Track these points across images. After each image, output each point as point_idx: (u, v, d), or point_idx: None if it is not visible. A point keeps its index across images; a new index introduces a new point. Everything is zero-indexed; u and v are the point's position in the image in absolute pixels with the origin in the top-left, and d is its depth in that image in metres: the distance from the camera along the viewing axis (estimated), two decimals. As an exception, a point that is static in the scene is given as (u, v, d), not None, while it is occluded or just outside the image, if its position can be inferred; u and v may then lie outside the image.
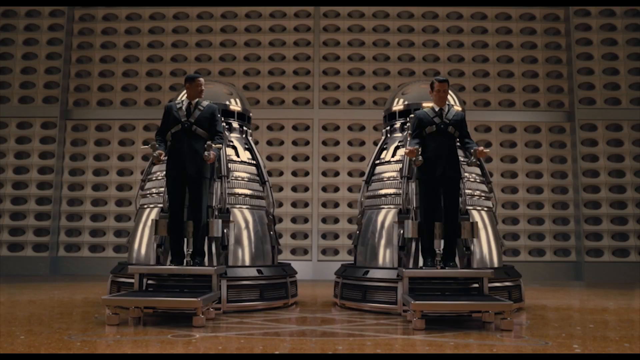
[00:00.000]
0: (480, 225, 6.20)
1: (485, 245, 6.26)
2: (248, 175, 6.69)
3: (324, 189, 11.46)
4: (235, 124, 6.95)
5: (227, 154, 6.52)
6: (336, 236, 11.26)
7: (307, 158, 11.61)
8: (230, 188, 6.39)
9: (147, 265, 5.85)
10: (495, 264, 6.30)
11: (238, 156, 6.72)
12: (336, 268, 6.79)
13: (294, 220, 11.34)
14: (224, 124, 6.58)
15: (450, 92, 6.50)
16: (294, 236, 11.30)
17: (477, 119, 11.46)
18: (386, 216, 6.33)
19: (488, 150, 5.81)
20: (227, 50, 11.86)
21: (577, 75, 11.49)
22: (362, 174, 11.42)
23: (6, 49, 11.84)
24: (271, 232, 6.71)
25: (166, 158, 5.80)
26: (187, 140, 5.71)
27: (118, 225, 11.39)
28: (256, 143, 11.29)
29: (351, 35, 11.95)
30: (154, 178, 6.63)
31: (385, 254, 6.23)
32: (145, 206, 6.59)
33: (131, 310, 5.03)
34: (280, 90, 11.85)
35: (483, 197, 6.49)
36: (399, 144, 6.67)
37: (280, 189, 11.43)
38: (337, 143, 11.66)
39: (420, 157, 5.53)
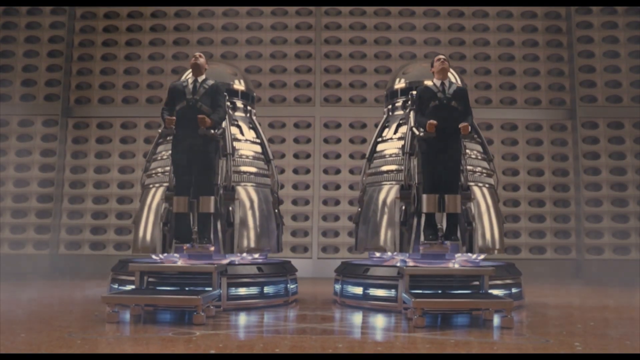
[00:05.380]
0: (481, 201, 6.23)
1: (487, 222, 6.28)
2: (253, 153, 6.74)
3: (325, 187, 11.46)
4: (239, 103, 7.01)
5: (232, 132, 6.55)
6: (337, 234, 11.26)
7: (308, 156, 11.61)
8: (235, 166, 6.42)
9: (148, 263, 5.85)
10: (497, 241, 6.32)
11: (243, 135, 6.78)
12: (336, 266, 6.79)
13: (294, 217, 11.34)
14: (228, 103, 6.62)
15: (452, 70, 6.59)
16: (294, 234, 11.30)
17: (479, 117, 11.36)
18: (388, 193, 6.32)
19: (467, 123, 5.78)
20: (229, 48, 11.85)
21: (578, 73, 11.48)
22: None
23: (7, 47, 11.85)
24: (276, 210, 6.74)
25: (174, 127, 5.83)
26: (192, 117, 5.75)
27: (119, 223, 11.40)
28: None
29: (353, 33, 11.93)
30: (158, 158, 6.69)
31: (387, 231, 6.22)
32: (151, 186, 6.62)
33: (132, 308, 5.04)
34: (281, 87, 11.84)
35: (485, 174, 6.53)
36: (401, 122, 6.68)
37: (282, 187, 11.42)
38: (338, 141, 11.65)
39: (433, 133, 5.65)
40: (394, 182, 6.37)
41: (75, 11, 12.03)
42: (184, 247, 5.89)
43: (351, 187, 11.38)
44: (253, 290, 5.96)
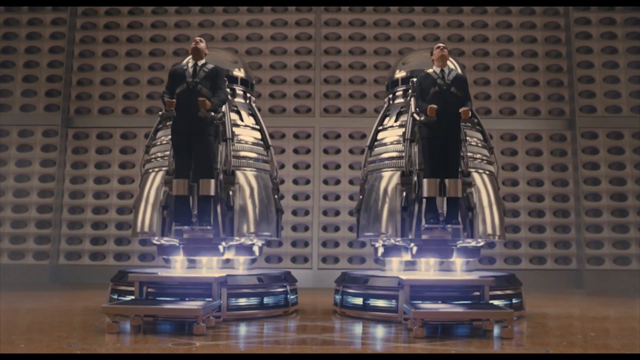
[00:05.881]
0: (481, 187, 6.27)
1: (487, 208, 6.29)
2: (252, 139, 6.74)
3: (325, 197, 11.46)
4: (238, 90, 7.05)
5: (232, 118, 6.57)
6: (337, 244, 11.25)
7: (308, 166, 11.61)
8: (234, 151, 6.41)
9: (147, 274, 5.84)
10: (497, 227, 6.33)
11: (242, 120, 6.79)
12: (336, 276, 6.79)
13: (294, 228, 11.33)
14: (228, 90, 6.63)
15: (451, 59, 6.69)
16: (294, 244, 11.29)
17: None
18: (389, 179, 6.36)
19: (468, 107, 5.90)
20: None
21: (577, 83, 11.50)
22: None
23: (8, 57, 11.88)
24: (275, 196, 6.75)
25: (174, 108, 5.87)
26: (192, 100, 5.79)
27: (119, 234, 11.38)
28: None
29: (352, 44, 11.97)
30: (158, 143, 6.68)
31: (388, 217, 6.24)
32: (150, 170, 6.61)
33: (131, 319, 5.02)
34: (281, 98, 11.87)
35: (485, 161, 6.56)
36: (402, 109, 6.75)
37: (282, 197, 11.39)
38: (338, 151, 11.67)
39: (434, 117, 5.76)
40: (395, 169, 6.40)
41: (75, 22, 12.07)
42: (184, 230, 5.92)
43: (351, 198, 11.38)
44: (253, 300, 5.95)
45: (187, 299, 5.36)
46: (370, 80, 11.81)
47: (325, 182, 11.54)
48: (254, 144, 6.73)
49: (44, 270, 11.12)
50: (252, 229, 6.37)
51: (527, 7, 11.86)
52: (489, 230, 6.27)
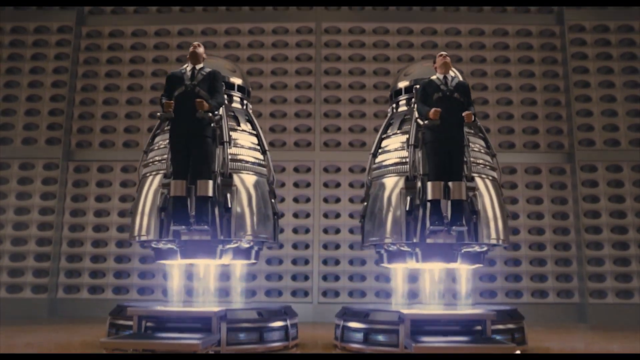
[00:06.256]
0: (484, 192, 6.31)
1: (491, 213, 6.31)
2: (249, 143, 6.80)
3: (325, 231, 11.44)
4: (235, 97, 7.15)
5: (229, 123, 6.64)
6: (337, 278, 11.19)
7: (308, 199, 11.62)
8: (232, 154, 6.46)
9: (146, 308, 5.80)
10: (501, 231, 6.35)
11: (239, 125, 6.86)
12: (337, 310, 6.74)
13: (294, 261, 11.28)
14: (225, 96, 6.71)
15: (453, 69, 6.86)
16: (294, 278, 11.23)
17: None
18: (393, 185, 6.42)
19: (471, 111, 6.06)
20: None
21: (576, 117, 11.57)
22: (362, 217, 11.43)
23: (11, 92, 11.96)
24: (272, 200, 6.77)
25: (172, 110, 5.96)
26: (190, 102, 5.88)
27: (118, 267, 11.33)
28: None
29: (352, 78, 12.07)
30: (156, 147, 6.71)
31: (393, 222, 6.28)
32: (148, 174, 6.62)
33: (130, 353, 4.97)
34: (281, 132, 11.92)
35: (488, 167, 6.60)
36: (405, 117, 6.85)
37: (281, 231, 11.39)
38: (338, 185, 11.68)
39: (438, 121, 5.90)
40: (399, 175, 6.45)
41: (78, 56, 12.19)
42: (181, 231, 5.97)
43: (351, 231, 11.36)
44: (253, 335, 5.90)
45: (186, 333, 5.31)
46: (369, 114, 11.87)
47: (325, 215, 11.53)
48: (250, 148, 6.79)
49: (43, 304, 11.04)
50: (249, 231, 6.37)
51: (524, 42, 11.98)
52: (493, 235, 6.29)
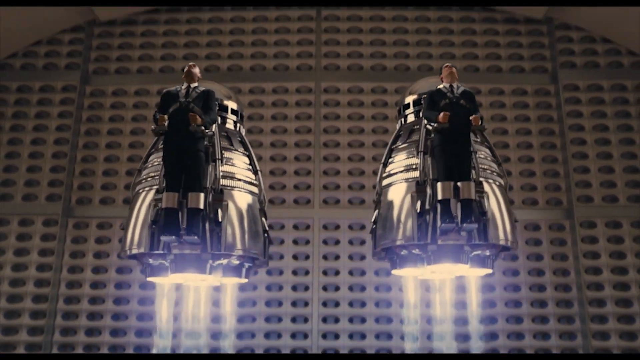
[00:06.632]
0: (491, 196, 6.41)
1: (499, 215, 6.38)
2: (241, 163, 6.99)
3: (325, 288, 11.33)
4: (229, 119, 7.28)
5: (222, 143, 6.80)
6: (337, 336, 11.02)
7: (307, 257, 11.56)
8: (224, 172, 6.61)
9: None
10: (509, 233, 6.47)
11: (232, 145, 7.04)
12: None
13: (293, 319, 11.13)
14: (219, 117, 6.93)
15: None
16: (293, 336, 11.06)
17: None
18: (404, 190, 6.57)
19: (478, 115, 6.45)
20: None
21: (573, 173, 11.66)
22: (362, 272, 11.38)
23: (14, 149, 12.09)
24: (263, 219, 6.90)
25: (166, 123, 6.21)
26: (184, 117, 6.11)
27: (114, 325, 11.14)
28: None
29: (351, 137, 12.22)
30: (149, 165, 6.82)
31: (404, 224, 6.41)
32: (141, 190, 6.68)
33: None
34: (280, 190, 11.98)
35: (495, 174, 6.71)
36: (414, 127, 7.04)
37: (280, 288, 11.31)
38: (337, 242, 11.66)
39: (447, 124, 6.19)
40: (409, 181, 6.59)
41: (81, 114, 12.36)
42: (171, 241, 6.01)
43: (351, 289, 11.27)
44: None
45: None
46: (368, 172, 11.94)
47: (325, 272, 11.46)
48: (243, 167, 6.95)
49: (36, 363, 10.82)
50: (239, 246, 6.43)
51: (520, 100, 12.20)
52: (501, 236, 6.36)
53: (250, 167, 7.10)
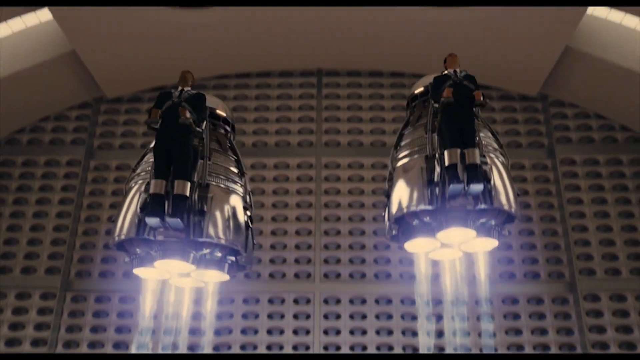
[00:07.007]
0: (494, 169, 6.65)
1: (501, 185, 6.63)
2: (229, 164, 7.25)
3: (325, 364, 11.08)
4: (220, 127, 7.56)
5: (211, 146, 7.11)
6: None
7: (308, 332, 11.37)
8: (211, 170, 6.89)
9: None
10: (512, 201, 6.69)
11: (221, 147, 7.33)
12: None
13: (293, 397, 10.82)
14: (211, 125, 7.29)
15: None
16: (293, 415, 10.71)
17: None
18: (413, 164, 6.85)
19: (480, 91, 6.86)
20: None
21: (574, 246, 11.65)
22: (364, 348, 11.15)
23: (16, 221, 12.15)
24: (246, 213, 7.10)
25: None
26: (175, 114, 6.59)
27: (109, 402, 10.83)
28: (256, 316, 11.23)
29: (351, 211, 12.29)
30: (143, 163, 7.08)
31: (416, 193, 6.66)
32: (133, 184, 6.93)
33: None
34: (281, 264, 11.93)
35: (498, 152, 7.02)
36: (422, 113, 7.39)
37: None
38: (338, 316, 11.49)
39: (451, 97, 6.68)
40: (417, 156, 6.89)
41: (84, 188, 12.49)
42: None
43: (352, 365, 11.01)
44: None
45: None
46: (369, 246, 11.95)
47: (326, 348, 11.23)
48: (229, 168, 7.21)
49: None
50: (220, 235, 6.63)
51: (518, 175, 12.32)
52: (504, 202, 6.58)
53: (237, 169, 7.41)
